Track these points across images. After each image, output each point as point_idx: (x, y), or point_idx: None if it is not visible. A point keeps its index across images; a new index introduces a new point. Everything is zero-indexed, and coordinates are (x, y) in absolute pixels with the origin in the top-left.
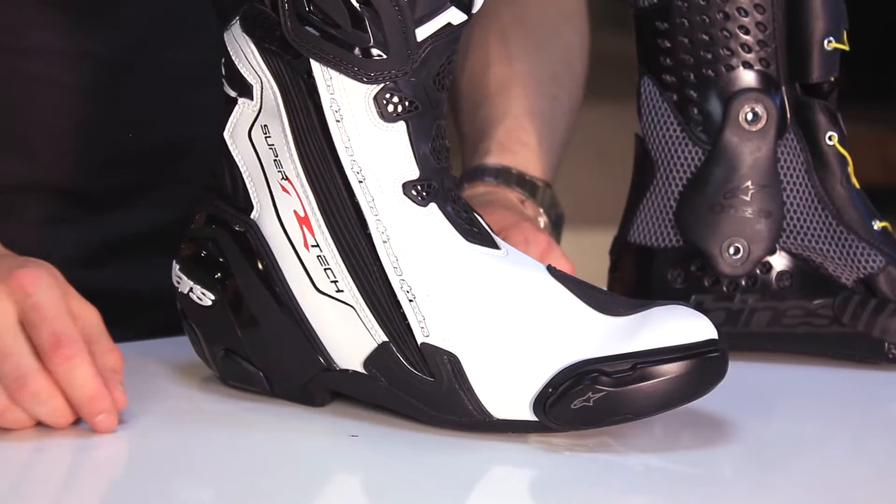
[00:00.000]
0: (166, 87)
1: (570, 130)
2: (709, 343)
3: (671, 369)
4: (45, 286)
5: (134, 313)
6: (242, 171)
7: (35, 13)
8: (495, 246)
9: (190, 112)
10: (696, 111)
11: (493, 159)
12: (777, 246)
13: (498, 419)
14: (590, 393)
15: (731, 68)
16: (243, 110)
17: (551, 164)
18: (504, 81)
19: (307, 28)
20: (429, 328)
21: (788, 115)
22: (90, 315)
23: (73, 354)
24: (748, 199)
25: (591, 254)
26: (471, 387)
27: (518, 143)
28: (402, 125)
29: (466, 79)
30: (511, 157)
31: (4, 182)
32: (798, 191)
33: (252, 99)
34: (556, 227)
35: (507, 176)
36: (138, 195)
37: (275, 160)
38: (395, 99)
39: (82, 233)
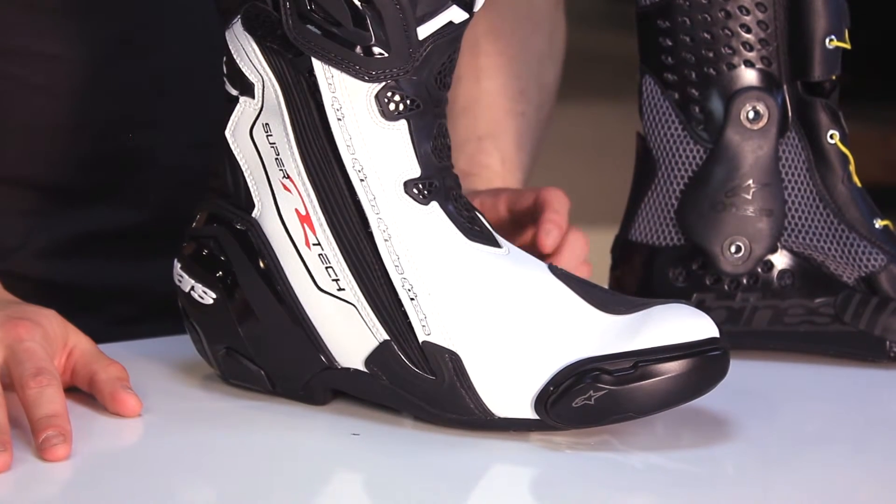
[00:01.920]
0: (136, 95)
1: (539, 144)
2: (710, 342)
3: (672, 368)
4: (39, 338)
5: (101, 304)
6: (244, 169)
7: (11, 16)
8: (497, 244)
9: (159, 120)
10: (697, 110)
11: None
12: (778, 244)
13: (499, 417)
14: (591, 391)
15: (732, 67)
16: (245, 109)
17: (515, 180)
18: (471, 100)
19: (309, 26)
20: (430, 326)
21: (790, 114)
22: (84, 342)
23: (48, 382)
24: (749, 197)
25: (593, 252)
26: (472, 385)
27: (480, 166)
28: (403, 124)
29: None
30: (473, 180)
31: None
32: (799, 189)
33: (254, 97)
34: None
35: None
36: (108, 194)
37: (276, 158)
38: (397, 97)
39: (54, 226)
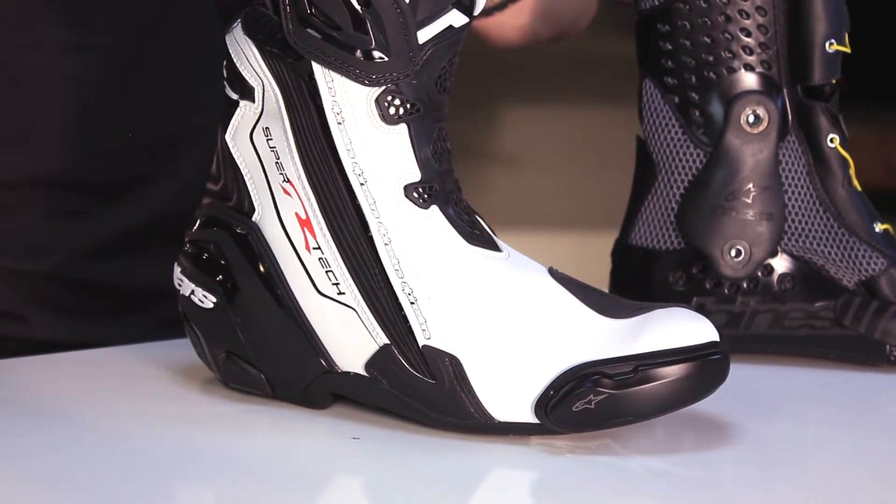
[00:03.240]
0: (170, 78)
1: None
2: (710, 345)
3: (673, 372)
4: None
5: (143, 305)
6: (244, 173)
7: (43, 7)
8: (497, 248)
9: (194, 103)
10: (697, 113)
11: None
12: (778, 248)
13: (499, 421)
14: (591, 395)
15: (732, 70)
16: (245, 113)
17: None
18: None
19: (309, 30)
20: (430, 330)
21: (790, 118)
22: None
23: None
24: (749, 201)
25: (593, 256)
26: (472, 389)
27: None
28: (403, 127)
29: None
30: None
31: (12, 176)
32: (799, 193)
33: (254, 101)
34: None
35: None
36: (144, 187)
37: (276, 162)
38: (397, 101)
39: (91, 225)
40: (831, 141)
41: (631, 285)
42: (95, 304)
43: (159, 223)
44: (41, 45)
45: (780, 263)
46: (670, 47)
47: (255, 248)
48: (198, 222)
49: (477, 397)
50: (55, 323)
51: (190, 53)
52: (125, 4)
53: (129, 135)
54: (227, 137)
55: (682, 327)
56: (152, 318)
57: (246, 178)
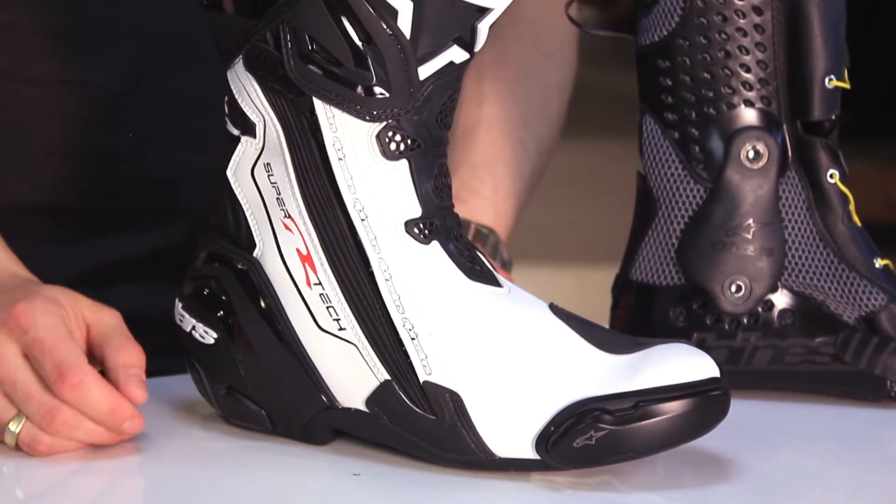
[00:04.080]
0: (165, 116)
1: (538, 173)
2: (711, 381)
3: (673, 408)
4: (39, 316)
5: (137, 333)
6: (245, 209)
7: (39, 42)
8: (497, 284)
9: (190, 140)
10: (697, 149)
11: None
12: (779, 284)
13: (500, 458)
14: (592, 431)
15: (732, 106)
16: (246, 149)
17: (507, 210)
18: (471, 125)
19: (310, 66)
20: (431, 366)
21: (790, 153)
22: (104, 318)
23: (78, 381)
24: (750, 237)
25: (593, 291)
26: (473, 425)
27: (470, 192)
28: (404, 163)
29: None
30: (460, 206)
31: (10, 201)
32: (799, 229)
33: (255, 137)
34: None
35: None
36: (139, 219)
37: (277, 198)
38: (398, 137)
39: (85, 253)
40: (831, 177)
41: (631, 321)
42: None
43: (154, 253)
44: (39, 79)
45: (781, 299)
46: (670, 83)
47: (256, 284)
48: (199, 258)
49: (478, 433)
50: None
51: (185, 91)
52: (123, 43)
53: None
54: (229, 173)
55: (682, 363)
56: (145, 345)
57: (247, 214)
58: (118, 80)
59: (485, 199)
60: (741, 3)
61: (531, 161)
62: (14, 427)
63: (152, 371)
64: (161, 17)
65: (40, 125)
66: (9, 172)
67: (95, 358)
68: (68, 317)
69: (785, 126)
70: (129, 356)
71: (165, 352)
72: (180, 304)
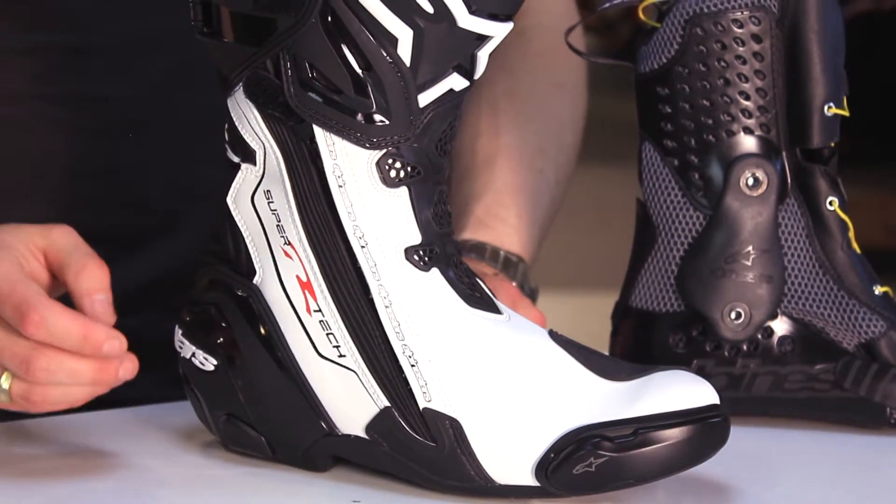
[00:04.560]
0: (188, 130)
1: (557, 202)
2: (710, 408)
3: (673, 434)
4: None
5: (156, 362)
6: (245, 236)
7: (62, 62)
8: (497, 311)
9: (208, 155)
10: (697, 176)
11: (470, 234)
12: (778, 311)
13: (500, 484)
14: (592, 458)
15: (731, 134)
16: (246, 176)
17: (531, 238)
18: (489, 154)
19: (310, 94)
20: (431, 393)
21: (789, 181)
22: (58, 240)
23: (39, 317)
24: (749, 263)
25: (593, 317)
26: (473, 452)
27: (496, 218)
28: (404, 190)
29: (454, 149)
30: (487, 232)
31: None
32: (799, 256)
33: (255, 164)
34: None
35: (481, 251)
36: (159, 239)
37: (277, 225)
38: (398, 164)
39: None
40: (830, 204)
41: (631, 347)
42: None
43: (174, 276)
44: (61, 98)
45: (780, 326)
46: (669, 110)
47: (255, 311)
48: (199, 285)
49: (477, 460)
50: None
51: (204, 106)
52: (148, 57)
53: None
54: (229, 200)
55: (682, 390)
56: (167, 374)
57: (247, 241)
58: (143, 95)
59: (511, 226)
60: (740, 30)
61: (550, 190)
62: (4, 384)
63: (177, 397)
64: (185, 30)
65: (61, 144)
66: (28, 196)
67: (59, 284)
68: (21, 254)
69: (784, 153)
70: (89, 280)
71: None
72: (180, 331)
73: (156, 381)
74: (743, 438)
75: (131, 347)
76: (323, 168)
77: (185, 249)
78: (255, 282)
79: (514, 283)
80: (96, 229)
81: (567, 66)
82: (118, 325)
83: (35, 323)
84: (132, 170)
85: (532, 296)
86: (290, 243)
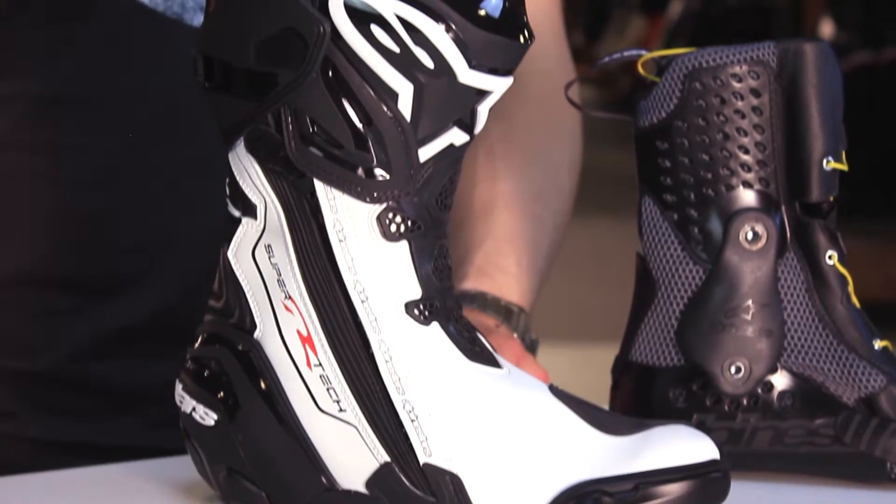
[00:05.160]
0: (165, 179)
1: (556, 248)
2: (711, 463)
3: (673, 490)
4: None
5: (137, 405)
6: (245, 290)
7: (41, 111)
8: (497, 365)
9: (188, 202)
10: (696, 230)
11: (471, 284)
12: (778, 365)
13: None
14: None
15: (731, 188)
16: (247, 230)
17: (531, 286)
18: (487, 202)
19: (311, 148)
20: (431, 448)
21: (788, 235)
22: None
23: None
24: (749, 318)
25: (593, 369)
26: None
27: (496, 267)
28: (404, 244)
29: None
30: (488, 282)
31: (7, 273)
32: (799, 310)
33: (256, 218)
34: (529, 352)
35: (483, 301)
36: (137, 286)
37: (278, 279)
38: (398, 218)
39: (83, 324)
40: (830, 258)
41: (631, 402)
42: (88, 403)
43: (152, 322)
44: (38, 146)
45: (780, 380)
46: (669, 164)
47: (256, 365)
48: (199, 339)
49: None
50: (47, 421)
51: (185, 151)
52: (124, 107)
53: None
54: (230, 254)
55: (682, 445)
56: (146, 417)
57: (248, 295)
58: (118, 146)
59: (511, 274)
60: (739, 84)
61: (549, 236)
62: None
63: (153, 446)
64: (161, 81)
65: (39, 193)
66: (3, 243)
67: None
68: None
69: (783, 207)
70: None
71: (166, 424)
72: (180, 386)
73: (135, 426)
74: (743, 493)
75: (104, 392)
76: (324, 222)
77: (160, 297)
78: (255, 336)
79: (516, 336)
80: (72, 276)
81: (562, 111)
82: (94, 370)
83: None
84: (108, 218)
85: (532, 346)
86: (290, 298)
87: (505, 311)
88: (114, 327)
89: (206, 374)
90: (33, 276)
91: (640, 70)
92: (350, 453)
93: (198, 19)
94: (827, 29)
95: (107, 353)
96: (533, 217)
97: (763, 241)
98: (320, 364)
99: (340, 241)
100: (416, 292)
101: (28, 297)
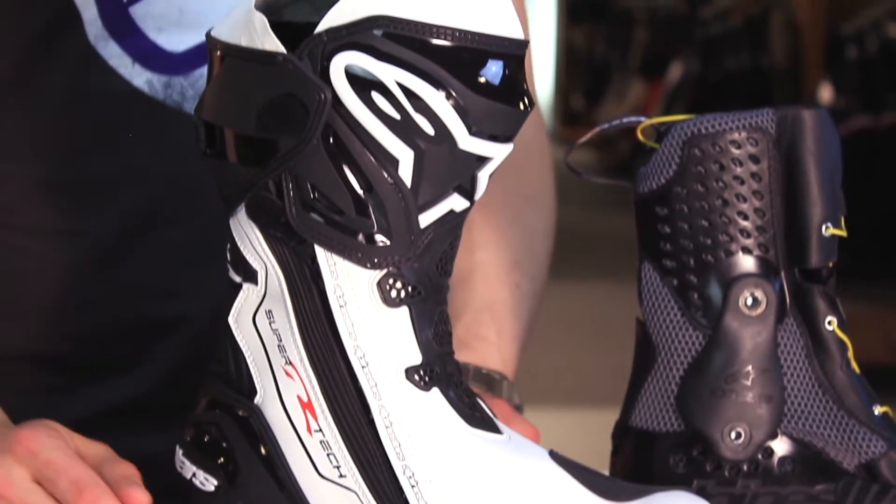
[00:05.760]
0: (159, 266)
1: (534, 314)
2: None
3: None
4: (46, 439)
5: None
6: (246, 355)
7: (34, 194)
8: (497, 431)
9: (182, 287)
10: (696, 296)
11: None
12: (778, 431)
13: None
14: None
15: (730, 254)
16: (248, 296)
17: (512, 354)
18: (466, 272)
19: (312, 215)
20: None
21: (788, 300)
22: (96, 448)
23: (95, 497)
24: (749, 383)
25: (594, 434)
26: None
27: (476, 338)
28: (405, 310)
29: None
30: (469, 353)
31: (2, 351)
32: (798, 375)
33: (257, 284)
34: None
35: (465, 372)
36: (129, 368)
37: (279, 345)
38: (399, 284)
39: (78, 402)
40: (829, 324)
41: (632, 467)
42: None
43: (147, 397)
44: (34, 229)
45: (781, 446)
46: (669, 230)
47: (256, 431)
48: (200, 404)
49: None
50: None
51: (176, 242)
52: (120, 193)
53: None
54: (230, 320)
55: None
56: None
57: (248, 361)
58: (115, 230)
59: (492, 344)
60: (738, 151)
61: (527, 303)
62: None
63: None
64: (157, 167)
65: (35, 275)
66: (1, 322)
67: None
68: (69, 442)
69: (783, 273)
70: (125, 468)
71: (164, 496)
72: (181, 451)
73: None
74: None
75: None
76: (324, 288)
77: (151, 379)
78: (255, 401)
79: (504, 399)
80: (64, 356)
81: (538, 178)
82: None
83: (90, 501)
84: (102, 303)
85: (517, 411)
86: (291, 363)
87: (487, 380)
88: (103, 406)
89: (206, 440)
90: (26, 355)
91: (640, 136)
92: None
93: None
94: (826, 93)
95: (96, 431)
96: (511, 285)
97: (763, 306)
98: (320, 429)
99: (341, 306)
100: (416, 358)
101: (19, 373)
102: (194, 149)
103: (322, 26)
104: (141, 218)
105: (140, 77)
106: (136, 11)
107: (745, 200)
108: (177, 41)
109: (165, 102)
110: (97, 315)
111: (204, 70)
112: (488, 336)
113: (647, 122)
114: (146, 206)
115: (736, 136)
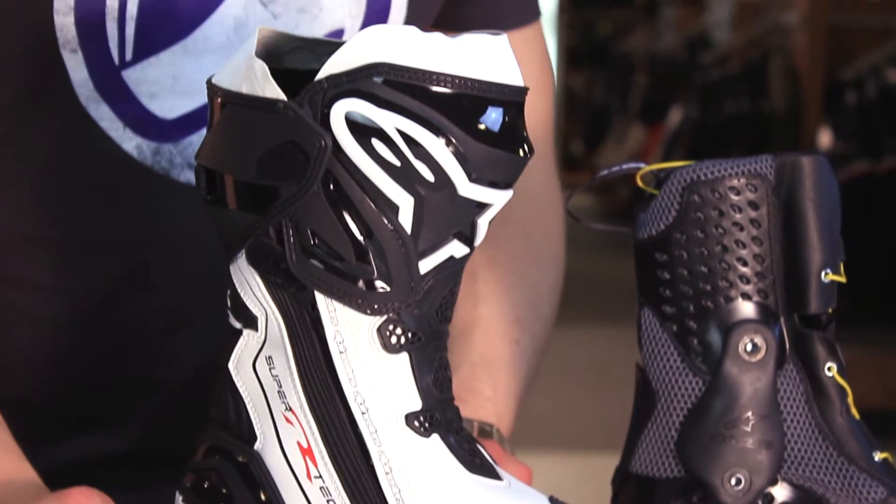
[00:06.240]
0: (137, 330)
1: (533, 371)
2: None
3: None
4: (99, 499)
5: None
6: (246, 401)
7: (18, 247)
8: (497, 477)
9: (157, 355)
10: (695, 342)
11: None
12: (778, 477)
13: None
14: None
15: (729, 300)
16: (248, 342)
17: (507, 410)
18: (467, 324)
19: (312, 261)
20: None
21: (787, 346)
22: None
23: None
24: (749, 429)
25: (595, 480)
26: None
27: (471, 392)
28: (405, 356)
29: None
30: (462, 406)
31: None
32: (798, 421)
33: (257, 330)
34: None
35: None
36: (111, 421)
37: (279, 391)
38: (399, 330)
39: (55, 452)
40: (829, 370)
41: None
42: None
43: (132, 451)
44: (19, 283)
45: (781, 492)
46: (668, 276)
47: (256, 477)
48: (200, 450)
49: None
50: None
51: (158, 308)
52: (104, 254)
53: (99, 368)
54: (230, 366)
55: None
56: None
57: (248, 407)
58: (99, 289)
59: (486, 399)
60: (737, 197)
61: (527, 360)
62: None
63: None
64: (143, 232)
65: (15, 329)
66: None
67: None
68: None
69: (782, 319)
70: None
71: None
72: (181, 497)
73: None
74: None
75: None
76: (324, 334)
77: (133, 435)
78: (255, 448)
79: (495, 440)
80: (52, 408)
81: (547, 234)
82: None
83: None
84: (83, 360)
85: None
86: (291, 409)
87: (479, 431)
88: (83, 457)
89: (206, 486)
90: (10, 403)
91: (639, 183)
92: None
93: (185, 176)
94: (825, 138)
95: (74, 481)
96: (511, 341)
97: (762, 352)
98: (320, 476)
99: (341, 352)
100: (416, 404)
101: (5, 417)
102: (180, 215)
103: (322, 73)
104: (124, 282)
105: (130, 142)
106: (129, 76)
107: (744, 246)
108: (169, 108)
109: (153, 168)
110: (77, 372)
111: (194, 138)
112: (483, 390)
113: (646, 168)
114: (130, 270)
115: (735, 182)
